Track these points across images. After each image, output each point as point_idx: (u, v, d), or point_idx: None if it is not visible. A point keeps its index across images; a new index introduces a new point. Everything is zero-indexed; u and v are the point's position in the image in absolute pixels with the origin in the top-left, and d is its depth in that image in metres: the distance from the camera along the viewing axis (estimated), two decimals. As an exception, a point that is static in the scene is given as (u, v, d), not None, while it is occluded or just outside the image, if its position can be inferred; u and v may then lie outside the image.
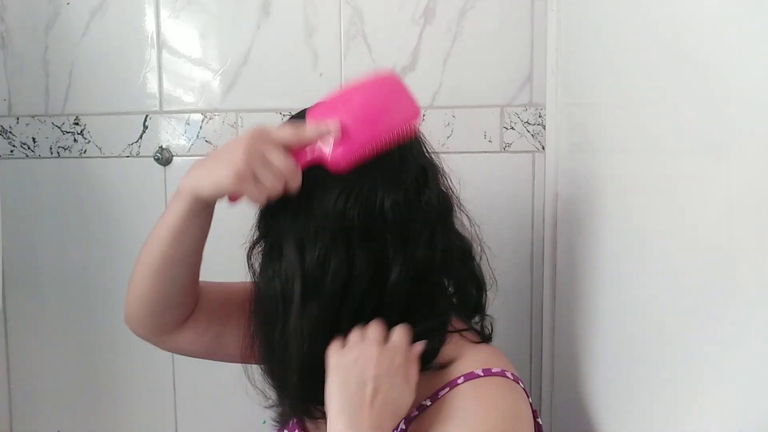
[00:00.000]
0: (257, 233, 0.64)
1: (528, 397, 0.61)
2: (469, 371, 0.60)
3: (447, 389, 0.59)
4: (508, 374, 0.60)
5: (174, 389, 1.05)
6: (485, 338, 0.65)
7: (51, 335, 1.06)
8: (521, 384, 0.61)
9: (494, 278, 0.71)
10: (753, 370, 0.39)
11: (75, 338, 1.06)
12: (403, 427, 0.60)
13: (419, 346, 0.58)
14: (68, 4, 1.01)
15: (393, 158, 0.60)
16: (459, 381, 0.59)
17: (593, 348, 0.74)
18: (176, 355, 1.04)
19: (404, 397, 0.56)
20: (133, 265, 1.07)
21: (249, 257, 0.64)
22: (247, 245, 0.65)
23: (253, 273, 0.64)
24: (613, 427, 0.67)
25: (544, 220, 0.96)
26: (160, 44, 1.01)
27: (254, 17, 0.99)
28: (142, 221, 1.03)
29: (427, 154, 0.65)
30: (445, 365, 0.61)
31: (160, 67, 1.01)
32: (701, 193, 0.45)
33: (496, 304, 0.99)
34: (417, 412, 0.60)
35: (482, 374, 0.59)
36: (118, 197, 1.03)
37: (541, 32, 0.95)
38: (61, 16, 1.01)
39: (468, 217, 0.68)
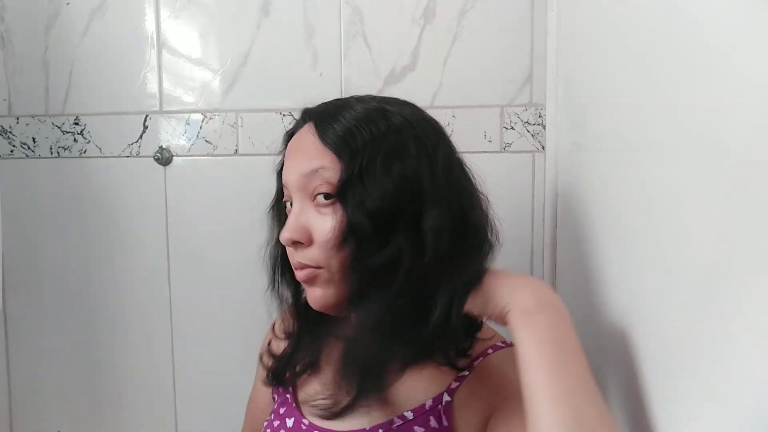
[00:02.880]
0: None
1: None
2: (493, 344, 0.66)
3: (481, 358, 0.65)
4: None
5: (174, 389, 1.05)
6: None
7: (51, 335, 1.06)
8: None
9: None
10: (753, 370, 0.39)
11: (75, 338, 1.06)
12: (448, 398, 0.63)
13: None
14: (68, 4, 1.01)
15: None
16: (489, 352, 0.65)
17: (593, 348, 0.74)
18: (176, 355, 1.05)
19: None
20: (132, 264, 1.07)
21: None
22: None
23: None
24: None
25: (544, 220, 0.96)
26: (160, 44, 1.01)
27: (254, 17, 0.99)
28: (142, 221, 1.03)
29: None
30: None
31: (160, 67, 1.01)
32: (701, 193, 0.45)
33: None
34: (457, 383, 0.64)
35: (504, 345, 0.67)
36: (118, 197, 1.03)
37: (541, 32, 0.95)
38: (61, 16, 1.01)
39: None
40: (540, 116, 0.96)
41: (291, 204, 0.63)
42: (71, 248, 1.05)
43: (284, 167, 0.65)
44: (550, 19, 0.92)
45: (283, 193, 0.66)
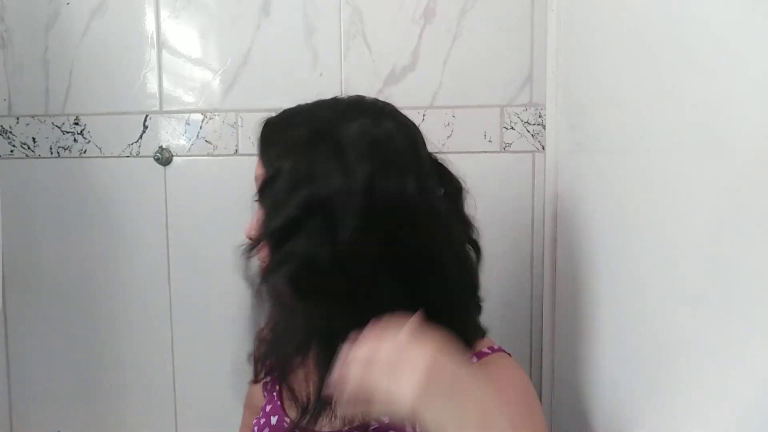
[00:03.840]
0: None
1: None
2: (478, 350, 0.65)
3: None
4: (506, 351, 0.67)
5: (174, 389, 1.05)
6: (484, 332, 0.68)
7: (51, 335, 1.06)
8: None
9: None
10: (753, 371, 0.39)
11: (75, 338, 1.06)
12: None
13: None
14: (68, 4, 1.01)
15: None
16: (473, 360, 0.64)
17: (593, 348, 0.74)
18: (176, 355, 1.05)
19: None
20: (132, 264, 1.07)
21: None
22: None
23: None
24: (613, 427, 0.67)
25: (544, 220, 0.96)
26: (160, 44, 1.01)
27: (254, 17, 0.99)
28: (142, 221, 1.03)
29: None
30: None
31: (160, 67, 1.01)
32: (701, 193, 0.45)
33: (496, 304, 0.99)
34: None
35: (490, 351, 0.65)
36: (118, 197, 1.03)
37: (541, 32, 0.95)
38: (61, 16, 1.01)
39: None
40: (540, 116, 0.96)
41: None
42: (71, 248, 1.05)
43: None
44: (550, 18, 0.92)
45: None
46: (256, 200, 0.64)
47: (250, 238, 0.64)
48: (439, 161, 0.68)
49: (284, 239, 0.59)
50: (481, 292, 0.68)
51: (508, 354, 0.67)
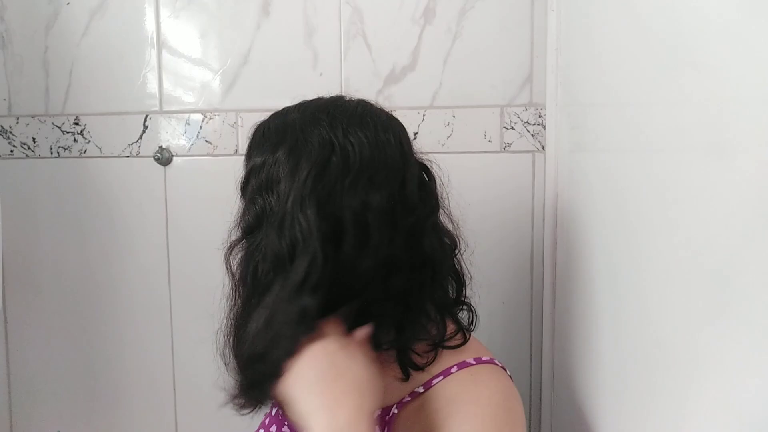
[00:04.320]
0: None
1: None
2: (461, 360, 0.61)
3: (441, 377, 0.61)
4: (497, 362, 0.63)
5: (174, 389, 1.05)
6: (466, 339, 0.64)
7: (51, 335, 1.06)
8: (507, 372, 0.63)
9: (470, 274, 0.69)
10: (752, 371, 0.39)
11: (75, 338, 1.06)
12: (395, 411, 0.61)
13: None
14: (68, 4, 1.01)
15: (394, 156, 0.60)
16: (453, 370, 0.61)
17: (593, 348, 0.74)
18: (176, 355, 1.05)
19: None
20: (132, 264, 1.08)
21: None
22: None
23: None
24: (613, 427, 0.67)
25: (544, 220, 0.96)
26: (160, 44, 1.01)
27: (254, 17, 0.99)
28: (142, 221, 1.03)
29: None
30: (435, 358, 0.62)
31: (160, 67, 1.01)
32: (701, 193, 0.45)
33: (496, 304, 0.99)
34: (409, 398, 0.61)
35: (474, 362, 0.61)
36: (118, 197, 1.03)
37: (541, 32, 0.95)
38: (61, 16, 1.01)
39: (449, 216, 0.66)
40: (540, 116, 0.96)
41: None
42: (71, 248, 1.05)
43: None
44: (550, 18, 0.92)
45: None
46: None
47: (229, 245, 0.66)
48: (423, 161, 0.65)
49: (250, 232, 0.61)
50: (464, 291, 0.66)
51: (502, 367, 0.63)
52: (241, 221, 0.63)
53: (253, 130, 0.66)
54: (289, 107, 0.66)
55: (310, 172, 0.57)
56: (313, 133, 0.59)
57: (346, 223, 0.56)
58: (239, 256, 0.63)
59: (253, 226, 0.60)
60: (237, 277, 0.64)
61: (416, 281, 0.60)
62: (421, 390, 0.61)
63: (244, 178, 0.63)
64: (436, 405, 0.59)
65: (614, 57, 0.67)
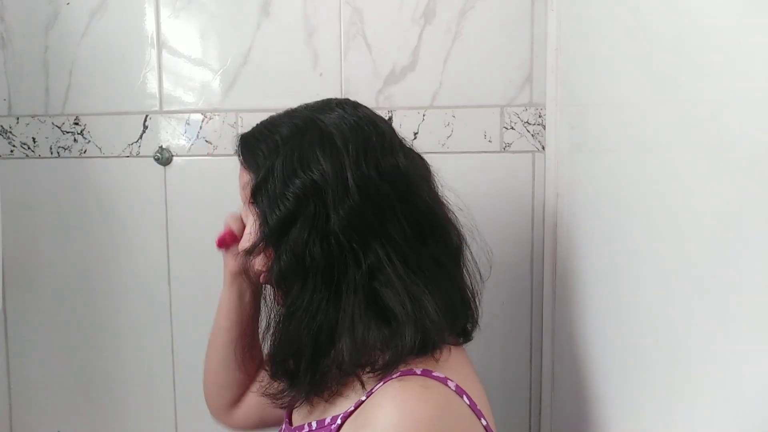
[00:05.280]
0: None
1: (467, 401, 0.56)
2: (408, 368, 0.57)
3: (381, 384, 0.56)
4: (435, 374, 0.56)
5: (174, 389, 1.05)
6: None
7: (51, 335, 1.06)
8: (451, 385, 0.56)
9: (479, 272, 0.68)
10: (753, 371, 0.39)
11: (75, 338, 1.06)
12: (339, 422, 0.58)
13: None
14: (68, 4, 1.01)
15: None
16: (394, 375, 0.56)
17: (593, 348, 0.74)
18: (176, 355, 1.05)
19: None
20: (132, 264, 1.08)
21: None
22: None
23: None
24: (613, 427, 0.67)
25: (544, 220, 0.96)
26: (160, 44, 1.01)
27: (254, 17, 0.99)
28: (142, 221, 1.03)
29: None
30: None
31: (160, 67, 1.01)
32: (701, 193, 0.45)
33: (496, 304, 0.99)
34: (353, 408, 0.58)
35: (420, 373, 0.56)
36: (118, 197, 1.03)
37: (541, 32, 0.95)
38: (61, 16, 1.01)
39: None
40: (540, 116, 0.96)
41: None
42: (71, 248, 1.05)
43: None
44: (550, 18, 0.92)
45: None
46: (251, 203, 0.63)
47: (247, 250, 0.64)
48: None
49: (284, 234, 0.59)
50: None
51: (442, 381, 0.55)
52: (268, 221, 0.61)
53: (249, 140, 0.66)
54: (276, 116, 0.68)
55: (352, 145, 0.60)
56: (332, 116, 0.62)
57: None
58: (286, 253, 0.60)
59: (293, 214, 0.59)
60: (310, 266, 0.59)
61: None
62: (364, 398, 0.57)
63: (262, 180, 0.61)
64: (361, 414, 0.56)
65: (614, 57, 0.67)
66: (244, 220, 0.68)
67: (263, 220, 0.61)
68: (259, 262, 0.65)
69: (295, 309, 0.60)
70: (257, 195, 0.62)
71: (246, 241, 0.65)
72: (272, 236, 0.60)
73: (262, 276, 0.66)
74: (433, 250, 0.62)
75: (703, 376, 0.45)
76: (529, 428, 1.00)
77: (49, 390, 1.07)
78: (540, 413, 0.99)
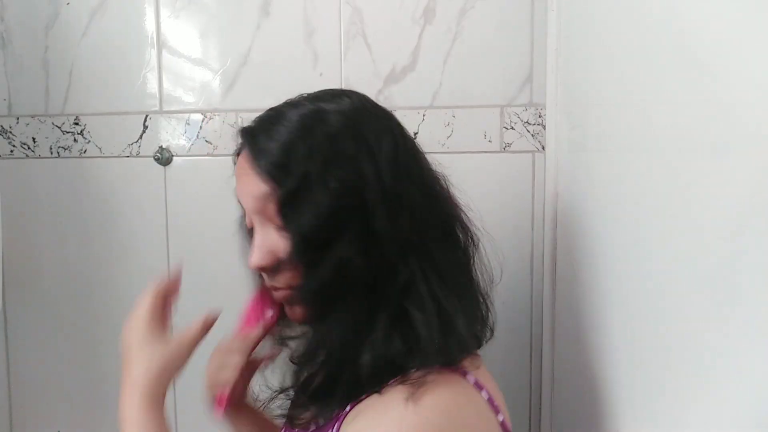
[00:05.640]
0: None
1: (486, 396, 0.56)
2: (407, 375, 0.55)
3: (391, 382, 0.55)
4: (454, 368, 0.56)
5: (174, 389, 1.05)
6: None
7: (51, 335, 1.06)
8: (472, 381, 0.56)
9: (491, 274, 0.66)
10: (756, 370, 0.39)
11: (75, 338, 1.06)
12: (348, 409, 0.57)
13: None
14: (68, 4, 1.01)
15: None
16: (395, 380, 0.55)
17: (593, 348, 0.74)
18: (176, 355, 1.04)
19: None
20: (132, 264, 1.07)
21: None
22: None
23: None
24: (613, 427, 0.67)
25: (544, 220, 0.96)
26: (160, 44, 1.01)
27: (254, 17, 0.99)
28: (142, 221, 1.03)
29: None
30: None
31: (160, 67, 1.01)
32: (702, 193, 0.45)
33: (496, 304, 0.99)
34: (350, 408, 0.57)
35: (408, 380, 0.54)
36: (118, 197, 1.03)
37: (541, 32, 0.95)
38: (61, 16, 1.01)
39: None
40: (540, 116, 0.96)
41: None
42: (71, 248, 1.05)
43: (237, 188, 0.62)
44: (550, 19, 0.92)
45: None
46: (274, 215, 0.57)
47: (261, 268, 0.60)
48: None
49: (326, 247, 0.55)
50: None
51: (461, 374, 0.56)
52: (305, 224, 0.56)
53: (262, 144, 0.59)
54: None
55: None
56: (359, 118, 0.61)
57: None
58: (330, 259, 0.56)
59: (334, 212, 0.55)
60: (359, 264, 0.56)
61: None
62: (364, 397, 0.56)
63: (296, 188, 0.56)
64: (365, 407, 0.56)
65: (614, 57, 0.67)
66: (255, 232, 0.61)
67: (295, 232, 0.56)
68: (282, 279, 0.60)
69: (334, 327, 0.57)
70: (287, 206, 0.56)
71: (266, 258, 0.59)
72: (309, 250, 0.56)
73: (282, 293, 0.61)
74: (459, 258, 0.61)
75: (707, 376, 0.45)
76: (529, 428, 1.00)
77: (49, 390, 1.07)
78: (540, 413, 0.99)
